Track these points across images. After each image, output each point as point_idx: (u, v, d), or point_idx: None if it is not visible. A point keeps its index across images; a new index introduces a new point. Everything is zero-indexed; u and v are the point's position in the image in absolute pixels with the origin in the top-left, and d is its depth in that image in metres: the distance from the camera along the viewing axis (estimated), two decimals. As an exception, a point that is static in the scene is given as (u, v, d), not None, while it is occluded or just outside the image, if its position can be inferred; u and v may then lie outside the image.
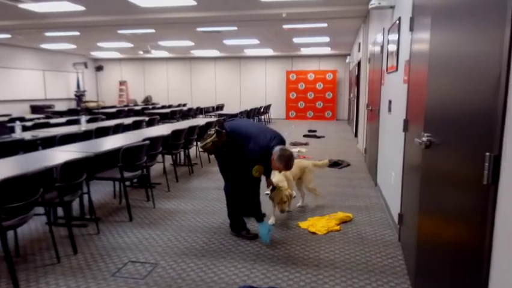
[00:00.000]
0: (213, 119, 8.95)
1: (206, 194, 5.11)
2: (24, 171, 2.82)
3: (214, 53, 16.36)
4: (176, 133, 5.66)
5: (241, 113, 11.02)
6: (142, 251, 3.29)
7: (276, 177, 3.91)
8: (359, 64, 9.57)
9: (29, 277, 2.84)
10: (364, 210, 4.39)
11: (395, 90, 4.06)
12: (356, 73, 10.40)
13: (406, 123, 3.33)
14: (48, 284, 2.74)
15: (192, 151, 7.13)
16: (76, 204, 4.18)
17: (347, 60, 14.66)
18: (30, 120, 8.15)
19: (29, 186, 2.83)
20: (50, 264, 3.05)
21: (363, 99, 8.42)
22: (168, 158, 6.45)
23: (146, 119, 8.23)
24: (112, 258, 3.15)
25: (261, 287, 2.64)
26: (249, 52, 16.06)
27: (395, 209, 3.75)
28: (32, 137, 5.19)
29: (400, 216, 3.47)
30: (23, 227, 3.87)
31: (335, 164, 6.88)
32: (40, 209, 3.33)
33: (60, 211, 4.04)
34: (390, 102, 4.40)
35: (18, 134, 5.35)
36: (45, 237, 3.59)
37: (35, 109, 13.67)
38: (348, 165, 6.98)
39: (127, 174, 4.11)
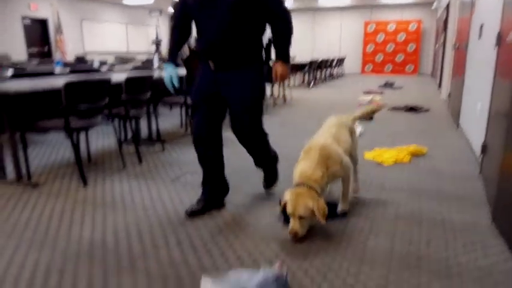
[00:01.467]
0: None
1: (267, 128, 5.01)
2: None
3: (288, 3, 15.77)
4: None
5: (311, 63, 10.59)
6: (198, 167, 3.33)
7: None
8: (447, 8, 8.49)
9: (97, 177, 3.04)
10: (441, 148, 3.95)
11: (488, 7, 3.48)
12: (444, 17, 9.27)
13: (499, 36, 2.83)
14: (112, 183, 2.90)
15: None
16: (144, 130, 4.36)
17: (433, 6, 13.14)
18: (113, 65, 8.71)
19: (94, 92, 2.95)
20: (117, 169, 3.23)
21: (451, 43, 7.52)
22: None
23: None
24: (173, 169, 3.24)
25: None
26: (323, 3, 15.18)
27: (478, 140, 3.30)
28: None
29: (483, 146, 3.04)
30: (96, 143, 4.16)
31: (411, 109, 6.31)
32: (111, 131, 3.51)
33: (129, 135, 4.25)
34: (481, 26, 3.84)
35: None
36: (115, 153, 3.81)
37: (119, 61, 14.61)
38: (427, 110, 6.36)
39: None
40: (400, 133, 4.64)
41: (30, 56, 11.51)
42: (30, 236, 2.06)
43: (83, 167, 2.96)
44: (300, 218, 1.92)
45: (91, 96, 2.91)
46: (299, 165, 2.12)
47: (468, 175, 3.09)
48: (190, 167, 3.28)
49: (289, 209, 1.94)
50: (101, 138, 4.41)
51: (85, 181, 2.86)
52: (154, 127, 4.22)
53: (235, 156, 3.26)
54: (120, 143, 3.85)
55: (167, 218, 2.29)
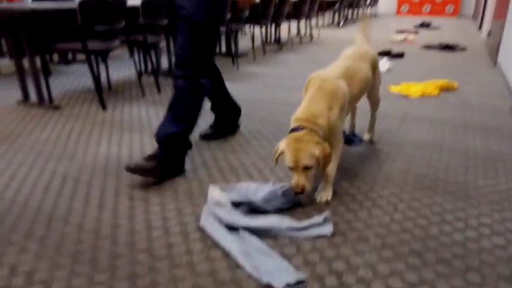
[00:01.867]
0: None
1: (291, 64, 4.85)
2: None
3: None
4: (265, 1, 5.29)
5: (341, 0, 9.93)
6: (219, 95, 3.28)
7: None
8: None
9: (116, 103, 3.06)
10: (474, 84, 3.70)
11: None
12: None
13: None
14: (131, 108, 2.91)
15: (284, 32, 6.74)
16: (164, 62, 4.31)
17: None
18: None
19: (111, 13, 2.87)
20: (136, 98, 3.23)
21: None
22: (257, 37, 6.21)
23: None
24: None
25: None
26: None
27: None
28: None
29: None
30: (117, 74, 4.17)
31: (446, 48, 5.90)
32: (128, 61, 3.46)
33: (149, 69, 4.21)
34: None
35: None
36: (135, 83, 3.80)
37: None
38: (464, 49, 5.93)
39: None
40: (432, 70, 4.38)
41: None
42: (49, 151, 2.12)
43: (103, 94, 2.98)
44: (305, 168, 1.46)
45: (106, 17, 2.84)
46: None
47: (499, 108, 2.90)
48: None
49: (289, 161, 1.47)
50: (122, 69, 4.40)
51: (104, 105, 2.88)
52: (173, 58, 4.15)
53: (247, 87, 3.18)
54: (140, 73, 3.84)
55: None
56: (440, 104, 3.04)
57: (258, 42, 6.00)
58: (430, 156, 2.04)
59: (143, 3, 3.16)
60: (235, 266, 1.20)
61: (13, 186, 1.71)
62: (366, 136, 2.28)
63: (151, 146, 2.16)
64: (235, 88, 3.53)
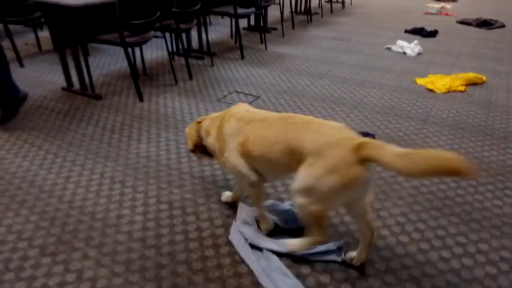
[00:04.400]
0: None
1: (320, 42, 4.84)
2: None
3: None
4: (297, -27, 5.18)
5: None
6: (248, 84, 3.42)
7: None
8: None
9: (151, 93, 3.27)
10: (504, 75, 3.65)
11: None
12: None
13: None
14: (165, 99, 3.12)
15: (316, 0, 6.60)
16: (194, 39, 4.41)
17: None
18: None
19: (147, 6, 3.00)
20: (169, 85, 3.42)
21: None
22: (286, 5, 6.11)
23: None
24: (220, 87, 3.37)
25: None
26: None
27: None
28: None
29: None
30: (151, 54, 4.33)
31: (483, 24, 5.65)
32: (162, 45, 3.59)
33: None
34: None
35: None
36: (167, 63, 3.97)
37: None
38: (502, 26, 5.67)
39: (240, 11, 4.05)
40: (463, 55, 4.30)
41: None
42: (96, 148, 2.38)
43: (139, 80, 3.17)
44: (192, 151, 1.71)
45: (143, 12, 2.98)
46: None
47: (525, 111, 2.92)
48: (236, 85, 3.39)
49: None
50: (155, 49, 4.55)
51: (140, 97, 3.10)
52: (204, 37, 4.26)
53: (274, 73, 3.28)
54: (171, 56, 3.99)
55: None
56: (465, 102, 3.07)
57: (287, 10, 5.94)
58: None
59: (176, -7, 3.25)
60: (259, 283, 1.45)
61: (70, 189, 2.00)
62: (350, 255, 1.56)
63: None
64: (262, 73, 3.66)
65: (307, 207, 1.31)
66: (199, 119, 1.71)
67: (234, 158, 1.52)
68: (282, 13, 5.62)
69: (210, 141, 1.62)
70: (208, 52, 4.21)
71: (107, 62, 4.07)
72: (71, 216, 1.79)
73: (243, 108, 1.59)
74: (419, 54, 4.27)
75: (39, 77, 3.61)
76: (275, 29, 5.43)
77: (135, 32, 3.02)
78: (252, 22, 5.47)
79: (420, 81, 3.45)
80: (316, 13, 6.49)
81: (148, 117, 2.80)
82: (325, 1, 7.10)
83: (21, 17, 3.81)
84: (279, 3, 5.51)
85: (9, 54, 4.03)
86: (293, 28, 5.55)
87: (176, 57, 4.19)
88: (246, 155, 1.47)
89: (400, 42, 4.48)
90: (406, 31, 5.29)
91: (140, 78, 3.61)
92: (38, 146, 2.41)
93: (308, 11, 6.12)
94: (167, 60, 4.07)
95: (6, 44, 4.12)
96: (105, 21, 3.05)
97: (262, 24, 5.20)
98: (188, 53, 4.24)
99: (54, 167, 2.18)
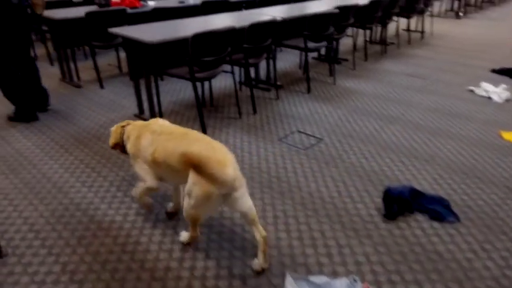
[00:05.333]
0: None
1: (394, 78, 4.58)
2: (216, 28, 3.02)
3: None
4: (374, 4, 4.99)
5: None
6: (311, 123, 3.31)
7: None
8: None
9: (216, 124, 3.30)
10: None
11: None
12: None
13: None
14: (227, 134, 3.12)
15: (391, 27, 6.30)
16: (263, 69, 4.42)
17: None
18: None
19: (219, 43, 3.05)
20: (233, 118, 3.44)
21: None
22: (360, 33, 5.92)
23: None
24: (283, 124, 3.30)
25: (427, 191, 2.32)
26: None
27: None
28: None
29: None
30: (219, 83, 4.41)
31: None
32: (229, 69, 3.65)
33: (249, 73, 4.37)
34: None
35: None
36: (233, 95, 4.01)
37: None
38: None
39: (310, 45, 3.98)
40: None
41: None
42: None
43: (205, 110, 3.22)
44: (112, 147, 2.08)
45: (215, 49, 3.03)
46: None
47: None
48: (299, 124, 3.30)
49: None
50: (223, 78, 4.60)
51: (204, 130, 3.14)
52: (272, 67, 4.23)
53: (340, 112, 3.14)
54: (239, 86, 4.03)
55: (268, 182, 2.43)
56: (562, 167, 2.66)
57: (360, 38, 5.74)
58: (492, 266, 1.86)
59: (249, 28, 3.27)
60: None
61: (125, 229, 2.04)
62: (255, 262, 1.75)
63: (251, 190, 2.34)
64: (327, 111, 3.52)
65: (187, 209, 1.69)
66: (123, 123, 2.05)
67: (141, 165, 1.89)
68: (354, 43, 5.46)
69: (128, 146, 1.97)
70: (274, 84, 4.19)
71: (177, 87, 4.22)
72: (122, 261, 1.81)
73: (158, 123, 1.96)
74: (507, 101, 3.84)
75: (115, 101, 3.84)
76: (346, 60, 5.27)
77: (205, 68, 3.08)
78: (322, 51, 5.37)
79: (507, 135, 3.08)
80: (393, 43, 6.19)
81: (208, 153, 2.82)
82: (402, 29, 6.76)
83: (105, 42, 4.11)
84: (352, 35, 5.35)
85: (92, 74, 4.39)
86: (366, 59, 5.34)
87: (243, 87, 4.23)
88: (154, 162, 1.80)
89: (485, 85, 4.07)
90: (493, 71, 4.80)
91: (206, 107, 3.69)
92: (104, 176, 2.52)
93: (384, 41, 5.86)
94: (233, 90, 4.10)
95: (89, 63, 4.43)
96: (177, 55, 3.16)
97: (332, 54, 5.07)
98: (256, 83, 4.26)
99: (115, 202, 2.26)
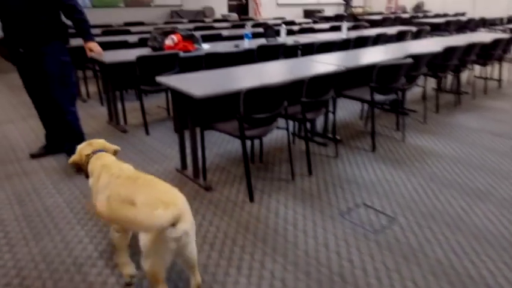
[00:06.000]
0: (503, 35, 6.72)
1: (474, 137, 3.91)
2: (273, 81, 2.65)
3: None
4: (448, 51, 4.42)
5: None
6: (380, 194, 2.76)
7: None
8: None
9: (264, 188, 2.86)
10: None
11: None
12: None
13: None
14: (278, 203, 2.66)
15: (464, 76, 5.66)
16: (319, 119, 3.97)
17: None
18: (298, 24, 8.45)
19: (274, 99, 2.67)
20: (285, 180, 2.98)
21: None
22: (431, 81, 5.32)
23: (413, 29, 6.99)
24: (344, 193, 2.78)
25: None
26: None
27: None
28: (293, 42, 5.19)
29: None
30: (270, 134, 4.00)
31: None
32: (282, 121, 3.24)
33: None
34: None
35: (283, 37, 5.47)
36: (286, 150, 3.57)
37: (307, 13, 14.29)
38: None
39: (378, 97, 3.48)
40: None
41: (231, 9, 12.26)
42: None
43: (254, 167, 2.81)
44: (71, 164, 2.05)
45: (269, 104, 2.65)
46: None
47: None
48: (364, 193, 2.77)
49: None
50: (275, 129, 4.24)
51: (251, 196, 2.70)
52: (330, 118, 3.78)
53: (406, 181, 2.56)
54: (292, 139, 3.61)
55: (329, 282, 1.91)
56: None
57: (429, 85, 5.14)
58: None
59: (309, 81, 2.87)
60: None
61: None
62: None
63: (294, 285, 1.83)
64: (398, 178, 2.94)
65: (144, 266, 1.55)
66: (89, 152, 1.95)
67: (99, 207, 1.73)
68: (424, 93, 4.88)
69: (90, 181, 1.90)
70: (333, 138, 3.71)
71: (225, 137, 3.87)
72: None
73: (121, 167, 1.86)
74: None
75: (159, 150, 3.56)
76: (414, 111, 4.68)
77: (256, 125, 2.69)
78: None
79: None
80: (466, 92, 5.51)
81: (254, 229, 2.35)
82: (476, 76, 6.06)
83: (154, 86, 3.90)
84: (424, 86, 4.78)
85: (140, 117, 4.20)
86: (437, 111, 4.72)
87: (296, 139, 3.79)
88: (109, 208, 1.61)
89: None
90: None
91: (255, 163, 3.28)
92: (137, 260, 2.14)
93: (457, 90, 5.21)
94: (286, 143, 3.67)
95: (135, 104, 4.20)
96: (227, 107, 2.81)
97: (399, 104, 4.52)
98: (311, 135, 3.81)
99: (139, 294, 1.85)
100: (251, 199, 2.68)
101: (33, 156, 3.34)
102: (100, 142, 2.04)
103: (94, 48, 3.33)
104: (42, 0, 2.86)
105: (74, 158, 2.00)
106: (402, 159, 3.37)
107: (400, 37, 6.55)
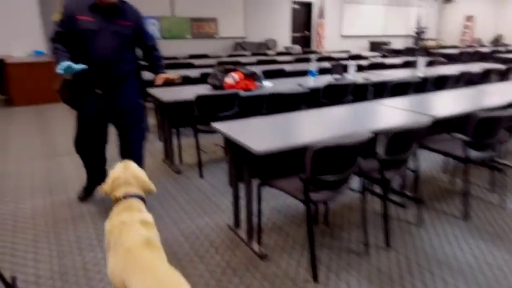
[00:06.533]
0: None
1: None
2: (343, 138, 2.20)
3: None
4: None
5: None
6: (481, 285, 2.13)
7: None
8: None
9: (331, 263, 2.36)
10: None
11: None
12: None
13: None
14: (348, 285, 2.15)
15: None
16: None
17: None
18: (366, 58, 7.95)
19: (347, 157, 2.21)
20: (356, 254, 2.46)
21: None
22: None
23: (502, 67, 6.16)
24: (435, 281, 2.19)
25: None
26: None
27: None
28: (363, 80, 4.72)
29: None
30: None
31: None
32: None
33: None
34: None
35: (351, 74, 5.02)
36: (357, 208, 3.06)
37: (373, 46, 13.71)
38: None
39: (473, 153, 2.86)
40: None
41: (294, 41, 12.10)
42: None
43: (316, 232, 2.35)
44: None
45: (341, 163, 2.19)
46: None
47: None
48: (461, 283, 2.15)
49: None
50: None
51: (315, 274, 2.22)
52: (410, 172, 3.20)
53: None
54: (364, 193, 3.09)
55: None
56: None
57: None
58: None
59: (391, 138, 2.38)
60: None
61: None
62: None
63: None
64: (503, 261, 2.27)
65: None
66: (121, 194, 1.73)
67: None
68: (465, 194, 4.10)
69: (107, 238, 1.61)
70: (414, 198, 3.12)
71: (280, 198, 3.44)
72: None
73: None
74: None
75: (211, 198, 3.23)
76: (510, 166, 3.92)
77: (324, 187, 2.24)
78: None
79: None
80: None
81: (319, 325, 1.87)
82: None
83: (209, 125, 3.63)
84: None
85: (195, 156, 3.95)
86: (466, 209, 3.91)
87: (367, 195, 3.26)
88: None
89: None
90: None
91: (318, 226, 2.80)
92: None
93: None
94: (357, 203, 3.14)
95: (192, 141, 3.91)
96: (289, 162, 2.40)
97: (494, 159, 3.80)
98: (387, 199, 3.25)
99: None
100: (315, 278, 2.20)
101: (81, 199, 3.17)
102: (137, 175, 1.79)
103: (166, 77, 3.03)
104: (131, 39, 2.80)
105: (105, 188, 1.77)
106: (504, 233, 2.69)
107: (485, 75, 5.79)
